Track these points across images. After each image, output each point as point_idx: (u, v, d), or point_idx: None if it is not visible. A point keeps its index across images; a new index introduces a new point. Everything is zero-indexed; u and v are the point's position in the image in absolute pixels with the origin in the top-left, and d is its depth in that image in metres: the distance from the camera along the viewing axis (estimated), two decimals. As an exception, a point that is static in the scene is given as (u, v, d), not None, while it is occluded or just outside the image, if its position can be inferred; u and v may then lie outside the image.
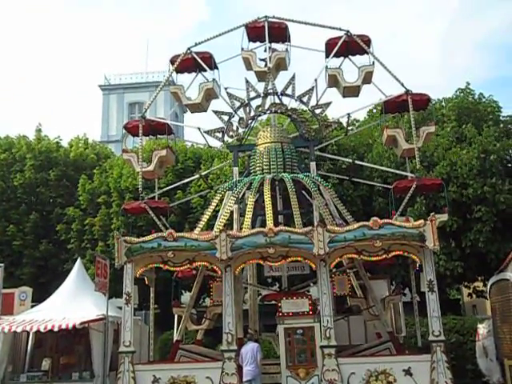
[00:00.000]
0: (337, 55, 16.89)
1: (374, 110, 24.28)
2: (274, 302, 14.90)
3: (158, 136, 18.75)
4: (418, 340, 15.20)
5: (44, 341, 15.45)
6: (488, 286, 15.71)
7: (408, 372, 12.18)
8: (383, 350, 13.93)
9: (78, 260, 17.16)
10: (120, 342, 13.11)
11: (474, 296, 23.56)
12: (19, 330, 13.77)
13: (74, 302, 14.87)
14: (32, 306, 16.26)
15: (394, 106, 16.71)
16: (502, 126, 22.07)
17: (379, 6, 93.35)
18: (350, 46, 16.76)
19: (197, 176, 19.70)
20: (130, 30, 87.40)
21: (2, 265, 16.54)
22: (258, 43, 17.59)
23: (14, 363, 15.03)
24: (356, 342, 15.37)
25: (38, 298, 16.99)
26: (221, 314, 13.36)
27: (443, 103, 24.15)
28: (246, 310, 16.04)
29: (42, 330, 13.61)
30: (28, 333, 14.81)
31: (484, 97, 23.16)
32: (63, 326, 13.52)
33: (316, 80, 16.72)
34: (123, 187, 23.55)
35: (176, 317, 16.21)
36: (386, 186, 18.14)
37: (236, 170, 16.35)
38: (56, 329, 13.55)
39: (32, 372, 14.69)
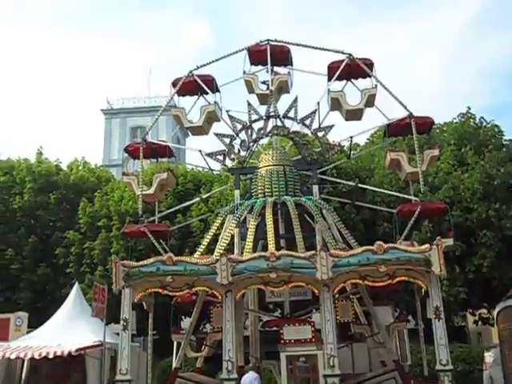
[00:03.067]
0: (339, 78, 16.88)
1: (375, 135, 24.23)
2: (275, 329, 14.52)
3: (160, 159, 18.63)
4: (424, 369, 14.76)
5: (39, 368, 15.04)
6: (495, 313, 15.32)
7: (415, 403, 11.77)
8: (389, 380, 13.50)
9: (76, 285, 16.85)
10: (117, 370, 12.73)
11: (480, 323, 23.10)
12: (13, 356, 13.42)
13: (70, 328, 14.54)
14: (28, 332, 15.92)
15: (396, 129, 16.64)
16: (504, 150, 21.94)
17: (381, 35, 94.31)
18: (353, 69, 16.75)
19: (197, 199, 19.50)
20: (134, 56, 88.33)
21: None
22: (260, 67, 17.59)
23: (8, 391, 14.64)
24: (360, 371, 14.96)
25: (35, 323, 16.64)
26: (221, 341, 13.00)
27: (444, 128, 24.12)
28: (247, 336, 15.65)
29: (36, 356, 13.26)
30: (23, 360, 14.41)
31: (486, 121, 23.12)
32: (58, 353, 13.17)
33: (318, 103, 16.69)
34: (124, 211, 23.32)
35: (175, 343, 15.82)
36: (389, 210, 17.91)
37: (237, 192, 16.17)
38: (51, 356, 13.20)
39: (26, 400, 14.31)
